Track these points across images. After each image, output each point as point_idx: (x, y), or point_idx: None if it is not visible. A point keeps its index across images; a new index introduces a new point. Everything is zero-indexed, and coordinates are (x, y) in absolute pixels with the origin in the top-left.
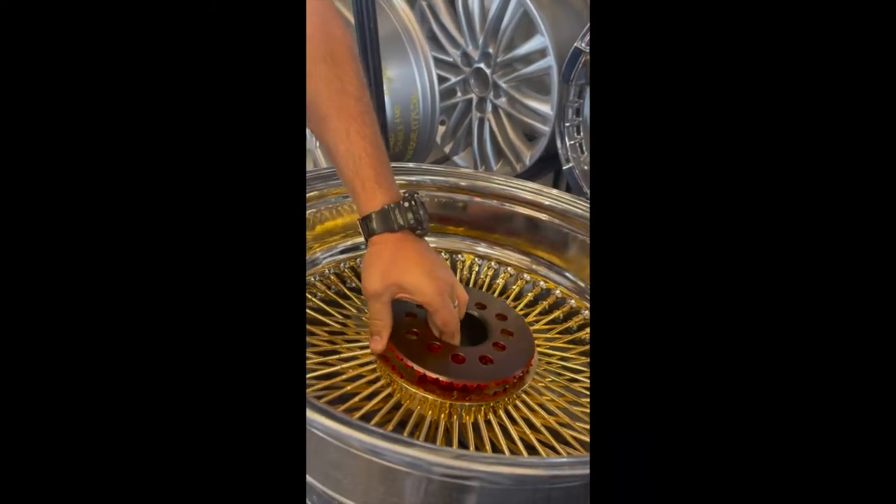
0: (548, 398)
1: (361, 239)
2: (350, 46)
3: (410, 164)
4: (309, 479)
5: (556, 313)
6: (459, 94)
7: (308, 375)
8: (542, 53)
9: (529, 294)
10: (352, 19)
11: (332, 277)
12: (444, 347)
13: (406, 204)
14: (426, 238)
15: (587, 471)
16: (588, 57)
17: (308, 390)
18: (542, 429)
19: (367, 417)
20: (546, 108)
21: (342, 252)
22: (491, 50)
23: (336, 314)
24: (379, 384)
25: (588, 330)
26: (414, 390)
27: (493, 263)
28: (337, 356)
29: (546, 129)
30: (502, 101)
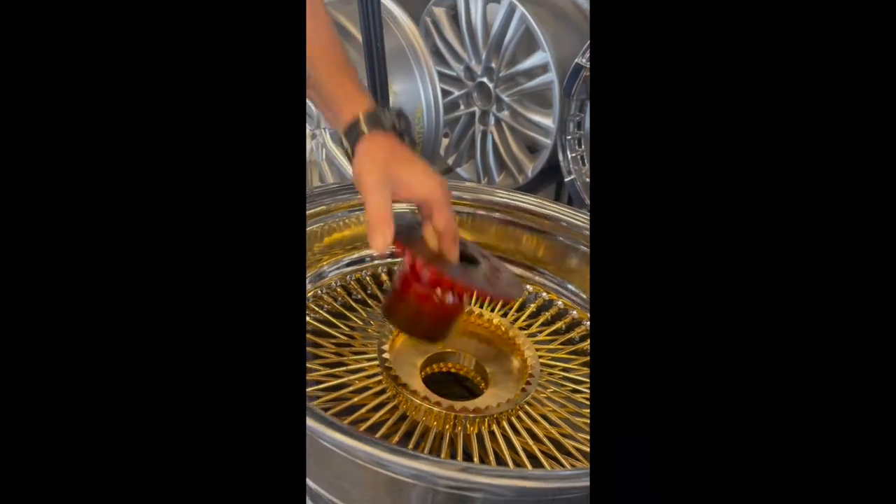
0: (550, 409)
1: (368, 251)
2: None
3: None
4: (317, 487)
5: (559, 324)
6: (462, 107)
7: (315, 387)
8: (543, 69)
9: (532, 305)
10: (358, 35)
11: (339, 290)
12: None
13: (392, 111)
14: None
15: (588, 482)
16: (588, 72)
17: (315, 402)
18: (545, 439)
19: (373, 428)
20: (548, 122)
21: (348, 265)
22: (493, 65)
23: (343, 326)
24: (385, 396)
25: (589, 341)
26: (419, 402)
27: None
28: (344, 368)
29: (548, 141)
30: (505, 114)
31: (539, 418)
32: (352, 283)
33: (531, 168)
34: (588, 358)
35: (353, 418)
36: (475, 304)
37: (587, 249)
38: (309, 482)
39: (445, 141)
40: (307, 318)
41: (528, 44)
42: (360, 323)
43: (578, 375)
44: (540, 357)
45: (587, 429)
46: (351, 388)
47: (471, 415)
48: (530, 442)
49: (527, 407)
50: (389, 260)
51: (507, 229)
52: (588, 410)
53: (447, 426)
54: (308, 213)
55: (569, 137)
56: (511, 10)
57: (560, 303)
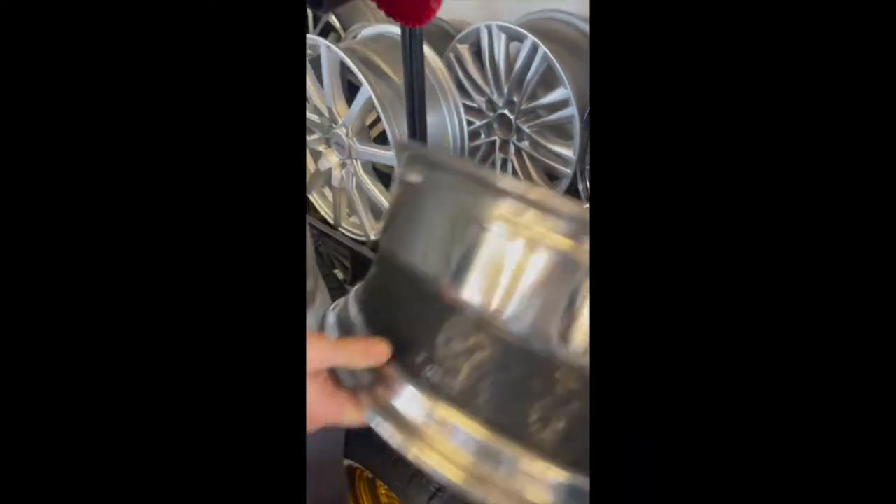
0: None
1: None
2: None
3: None
4: None
5: None
6: (483, 136)
7: None
8: (564, 103)
9: None
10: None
11: None
12: None
13: None
14: None
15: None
16: None
17: None
18: None
19: None
20: (568, 152)
21: None
22: (515, 98)
23: None
24: None
25: None
26: None
27: None
28: None
29: (568, 170)
30: (525, 144)
31: None
32: None
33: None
34: None
35: None
36: None
37: None
38: None
39: None
40: None
41: (548, 79)
42: None
43: None
44: None
45: None
46: None
47: None
48: None
49: None
50: None
51: None
52: None
53: None
54: None
55: (588, 166)
56: (534, 49)
57: None
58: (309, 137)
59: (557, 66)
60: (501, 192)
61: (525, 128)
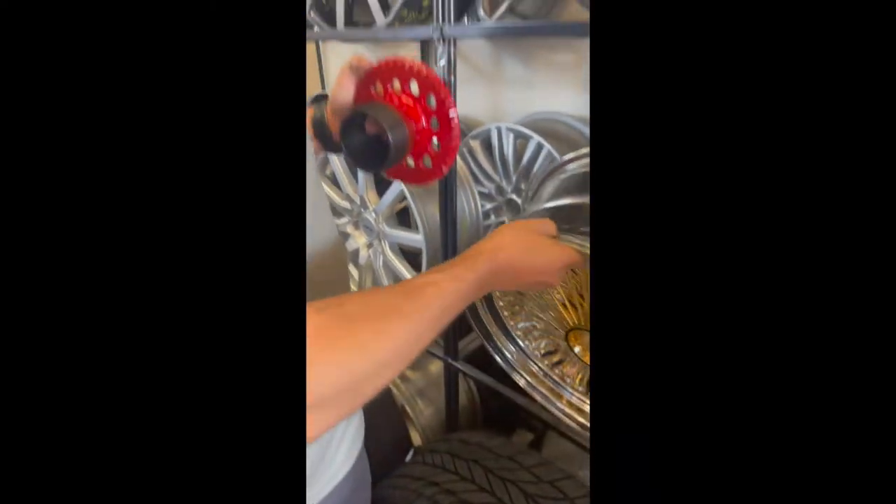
0: None
1: None
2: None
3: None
4: None
5: None
6: (493, 217)
7: None
8: None
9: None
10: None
11: None
12: None
13: None
14: None
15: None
16: None
17: None
18: None
19: None
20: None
21: None
22: (523, 186)
23: None
24: None
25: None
26: None
27: None
28: None
29: None
30: None
31: None
32: None
33: None
34: None
35: None
36: None
37: None
38: None
39: None
40: None
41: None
42: None
43: None
44: None
45: None
46: None
47: None
48: None
49: None
50: None
51: None
52: None
53: None
54: None
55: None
56: (539, 147)
57: None
58: (338, 220)
59: (560, 159)
60: None
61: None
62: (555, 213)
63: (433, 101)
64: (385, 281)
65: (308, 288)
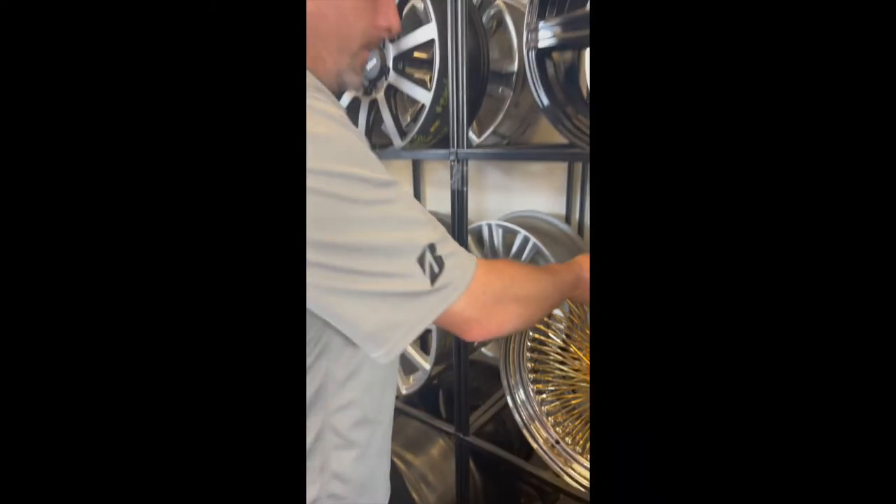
0: None
1: None
2: None
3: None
4: None
5: None
6: None
7: None
8: None
9: None
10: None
11: None
12: None
13: None
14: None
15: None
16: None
17: None
18: None
19: None
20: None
21: None
22: None
23: None
24: None
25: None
26: None
27: None
28: None
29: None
30: None
31: None
32: None
33: None
34: None
35: None
36: None
37: None
38: None
39: None
40: None
41: (541, 258)
42: None
43: None
44: None
45: None
46: None
47: None
48: None
49: None
50: None
51: None
52: None
53: None
54: None
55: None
56: (526, 240)
57: None
58: None
59: (545, 249)
60: None
61: None
62: None
63: None
64: (402, 389)
65: None
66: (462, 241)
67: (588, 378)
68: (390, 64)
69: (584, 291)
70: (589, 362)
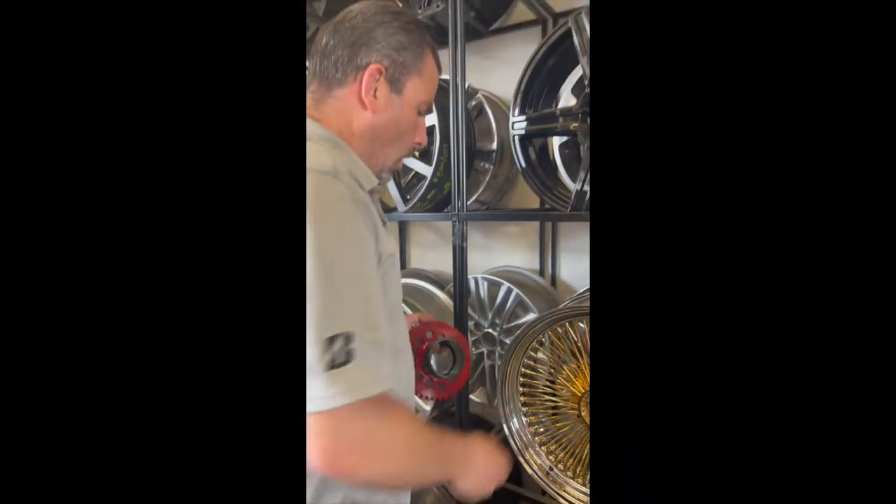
0: None
1: None
2: None
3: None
4: None
5: None
6: (473, 348)
7: None
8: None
9: None
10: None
11: None
12: None
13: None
14: None
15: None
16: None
17: None
18: None
19: None
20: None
21: None
22: (497, 321)
23: None
24: None
25: None
26: None
27: None
28: None
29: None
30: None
31: None
32: None
33: None
34: None
35: None
36: None
37: None
38: None
39: None
40: None
41: (518, 310)
42: None
43: None
44: None
45: None
46: None
47: None
48: None
49: None
50: None
51: None
52: None
53: None
54: None
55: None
56: (509, 291)
57: None
58: None
59: (527, 300)
60: None
61: (506, 341)
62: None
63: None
64: None
65: None
66: (463, 289)
67: (574, 406)
68: None
69: (475, 478)
70: (574, 391)
